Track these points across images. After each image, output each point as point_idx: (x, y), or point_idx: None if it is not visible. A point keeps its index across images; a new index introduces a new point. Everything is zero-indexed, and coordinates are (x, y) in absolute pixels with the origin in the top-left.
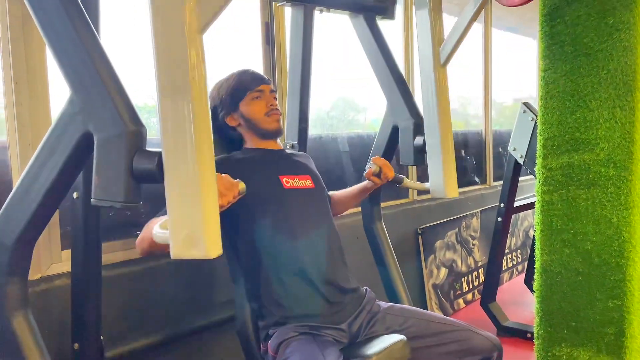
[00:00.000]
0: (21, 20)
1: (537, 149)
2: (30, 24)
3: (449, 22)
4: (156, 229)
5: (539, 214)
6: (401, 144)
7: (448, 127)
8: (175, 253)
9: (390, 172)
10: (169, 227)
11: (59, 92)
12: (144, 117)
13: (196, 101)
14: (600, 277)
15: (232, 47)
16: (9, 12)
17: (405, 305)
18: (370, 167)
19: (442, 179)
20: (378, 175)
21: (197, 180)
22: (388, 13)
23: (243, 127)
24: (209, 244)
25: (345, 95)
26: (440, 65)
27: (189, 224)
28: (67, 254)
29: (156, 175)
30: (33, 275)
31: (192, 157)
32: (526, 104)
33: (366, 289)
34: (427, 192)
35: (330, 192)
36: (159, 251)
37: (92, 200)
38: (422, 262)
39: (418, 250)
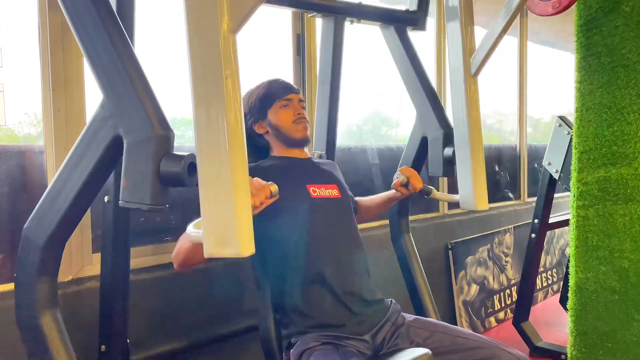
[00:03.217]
0: (60, 29)
1: (572, 162)
2: (68, 33)
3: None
4: (190, 228)
5: (574, 229)
6: (430, 155)
7: (478, 137)
8: (209, 252)
9: (418, 183)
10: (203, 227)
11: (95, 99)
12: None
13: (230, 99)
14: (638, 296)
15: (264, 58)
16: (49, 21)
17: (432, 319)
18: (397, 177)
19: (471, 190)
20: (406, 185)
21: (230, 179)
22: (419, 24)
23: (270, 135)
24: (242, 243)
25: (378, 110)
26: (470, 75)
27: (223, 223)
28: (97, 257)
29: (183, 179)
30: (64, 276)
31: (225, 156)
32: (562, 117)
33: (391, 301)
34: (456, 204)
35: (357, 198)
36: (195, 262)
37: (120, 202)
38: (452, 278)
39: (448, 266)
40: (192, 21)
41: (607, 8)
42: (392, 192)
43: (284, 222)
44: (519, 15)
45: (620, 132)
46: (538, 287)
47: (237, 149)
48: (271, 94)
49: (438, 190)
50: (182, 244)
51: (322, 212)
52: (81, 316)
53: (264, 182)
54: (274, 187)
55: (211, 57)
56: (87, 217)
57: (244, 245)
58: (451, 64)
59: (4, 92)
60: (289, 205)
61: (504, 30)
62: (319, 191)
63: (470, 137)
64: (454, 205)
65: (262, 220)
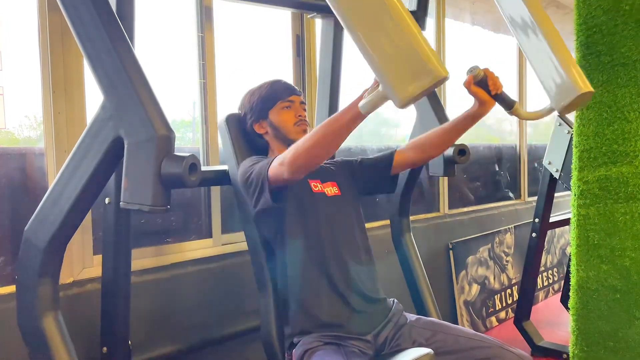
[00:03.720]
0: (60, 31)
1: (572, 161)
2: (68, 35)
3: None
4: (361, 103)
5: (575, 228)
6: None
7: (551, 26)
8: (406, 94)
9: (499, 82)
10: (386, 78)
11: (95, 101)
12: (179, 132)
13: None
14: None
15: (264, 59)
16: (49, 25)
17: (434, 319)
18: (471, 71)
19: (564, 77)
20: (483, 84)
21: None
22: (419, 24)
23: (270, 135)
24: (435, 66)
25: (378, 111)
26: None
27: (406, 59)
28: (98, 259)
29: (184, 180)
30: (65, 279)
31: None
32: (562, 117)
33: (393, 301)
34: (460, 202)
35: (399, 147)
36: (331, 150)
37: (121, 203)
38: (453, 278)
39: (449, 266)
40: None
41: (607, 7)
42: (463, 114)
43: (287, 215)
44: None
45: (620, 131)
46: (539, 287)
47: None
48: (273, 95)
49: (438, 191)
50: (320, 132)
51: (323, 207)
52: (83, 318)
53: None
54: None
55: None
56: (88, 219)
57: (438, 67)
58: None
59: (3, 95)
60: (292, 197)
61: None
62: (320, 186)
63: (540, 27)
64: (454, 204)
65: (265, 216)
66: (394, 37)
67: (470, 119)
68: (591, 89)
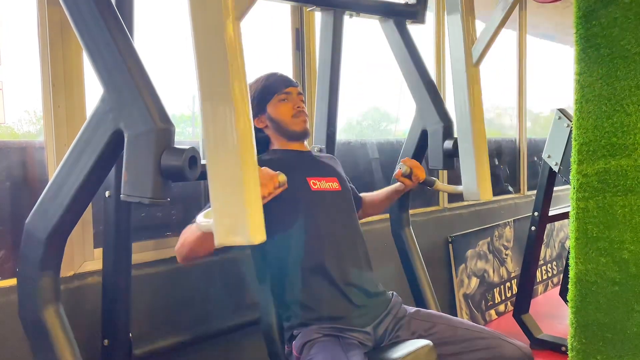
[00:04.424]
0: (60, 24)
1: (571, 154)
2: (67, 28)
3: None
4: (200, 218)
5: (574, 221)
6: (430, 148)
7: (481, 128)
8: (220, 241)
9: (421, 174)
10: (214, 216)
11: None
12: (179, 127)
13: (237, 89)
14: (638, 287)
15: (263, 53)
16: (48, 17)
17: (433, 311)
18: (400, 167)
19: (475, 181)
20: (409, 176)
21: (239, 168)
22: (418, 17)
23: (270, 129)
24: (252, 231)
25: (377, 105)
26: (472, 64)
27: (233, 212)
28: (99, 252)
29: (184, 172)
30: (66, 272)
31: (234, 146)
32: (561, 110)
33: (392, 293)
34: (457, 197)
35: (362, 194)
36: (200, 254)
37: (121, 196)
38: (452, 271)
39: (448, 259)
40: (196, 11)
41: None
42: (395, 185)
43: (284, 214)
44: (517, 8)
45: (619, 124)
46: (538, 280)
47: (246, 137)
48: (270, 88)
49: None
50: (187, 236)
51: (322, 204)
52: (83, 311)
53: (273, 172)
54: (282, 177)
55: (217, 47)
56: (88, 213)
57: (255, 233)
58: (452, 54)
59: (3, 89)
60: (289, 196)
61: (506, 18)
62: (319, 184)
63: (473, 127)
64: (454, 198)
65: (265, 212)
66: (235, 193)
67: (398, 193)
68: (489, 198)
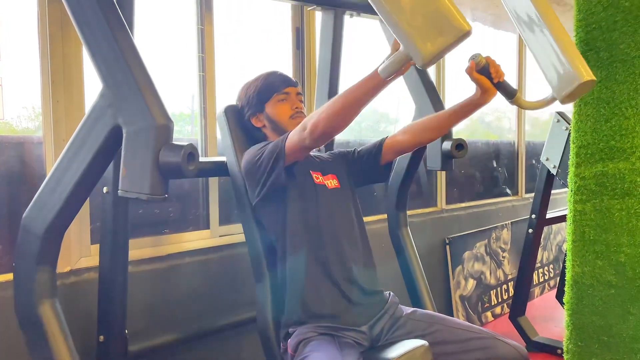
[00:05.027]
0: (59, 20)
1: (570, 157)
2: (67, 24)
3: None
4: (381, 67)
5: (571, 224)
6: (428, 149)
7: (553, 14)
8: (430, 49)
9: (501, 70)
10: (406, 36)
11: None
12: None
13: None
14: (634, 290)
15: (263, 52)
16: (48, 13)
17: (429, 311)
18: (473, 58)
19: (568, 67)
20: (486, 70)
21: None
22: None
23: (268, 128)
24: (458, 21)
25: (376, 106)
26: None
27: (427, 16)
28: (96, 248)
29: (183, 169)
30: (63, 267)
31: None
32: (560, 113)
33: (389, 293)
34: (457, 197)
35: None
36: (353, 114)
37: (119, 191)
38: (449, 273)
39: (445, 261)
40: None
41: (607, 3)
42: (464, 100)
43: (287, 207)
44: None
45: (618, 127)
46: (535, 283)
47: None
48: (269, 87)
49: (435, 186)
50: (335, 102)
51: (323, 199)
52: (80, 307)
53: None
54: None
55: None
56: (85, 209)
57: (461, 22)
58: None
59: (2, 85)
60: (294, 185)
61: None
62: (321, 178)
63: (543, 17)
64: (451, 200)
65: (265, 205)
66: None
67: (471, 107)
68: (593, 77)
